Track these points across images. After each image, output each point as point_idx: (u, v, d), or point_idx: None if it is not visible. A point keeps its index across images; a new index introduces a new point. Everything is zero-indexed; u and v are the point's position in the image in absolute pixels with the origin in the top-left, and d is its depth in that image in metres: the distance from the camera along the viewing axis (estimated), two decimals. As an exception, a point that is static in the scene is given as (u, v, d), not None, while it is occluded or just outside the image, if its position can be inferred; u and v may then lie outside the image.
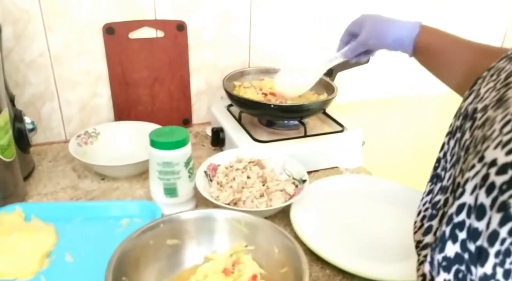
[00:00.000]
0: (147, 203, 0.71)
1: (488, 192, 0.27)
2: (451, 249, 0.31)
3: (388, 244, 0.66)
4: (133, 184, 0.81)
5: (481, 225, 0.28)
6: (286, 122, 0.91)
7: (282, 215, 0.71)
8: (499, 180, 0.27)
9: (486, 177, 0.28)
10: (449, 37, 0.65)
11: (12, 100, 0.77)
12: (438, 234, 0.34)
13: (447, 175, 0.39)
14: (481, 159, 0.29)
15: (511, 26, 1.31)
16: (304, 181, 0.73)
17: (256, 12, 1.00)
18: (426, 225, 0.40)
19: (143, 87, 0.97)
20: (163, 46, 0.94)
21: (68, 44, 0.88)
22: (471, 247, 0.29)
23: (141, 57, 0.94)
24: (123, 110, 0.97)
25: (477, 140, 0.33)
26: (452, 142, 0.40)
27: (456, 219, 0.31)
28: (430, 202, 0.42)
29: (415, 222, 0.44)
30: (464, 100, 0.40)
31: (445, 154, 0.41)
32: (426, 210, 0.42)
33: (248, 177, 0.74)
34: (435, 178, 0.42)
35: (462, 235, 0.30)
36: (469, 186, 0.29)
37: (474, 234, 0.29)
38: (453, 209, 0.31)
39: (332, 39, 1.10)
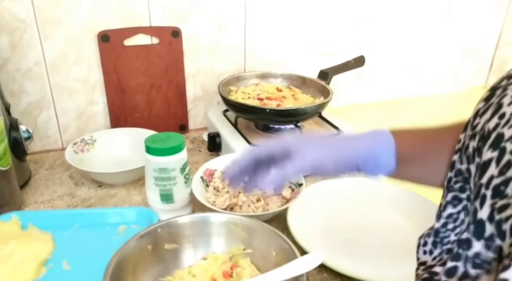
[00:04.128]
0: (144, 210, 0.70)
1: None
2: None
3: (386, 247, 0.66)
4: (130, 191, 0.81)
5: None
6: (282, 126, 0.91)
7: (278, 219, 0.71)
8: None
9: None
10: (423, 133, 0.50)
11: (7, 109, 0.77)
12: None
13: (472, 208, 0.33)
14: None
15: (505, 29, 1.31)
16: (300, 184, 0.73)
17: (251, 17, 1.00)
18: (450, 265, 0.35)
19: (140, 93, 0.97)
20: (159, 52, 0.95)
21: (64, 52, 0.89)
22: None
23: (137, 64, 0.94)
24: (120, 117, 0.97)
25: None
26: (473, 168, 0.33)
27: None
28: (456, 234, 0.36)
29: (421, 238, 0.39)
30: (479, 115, 0.34)
31: (466, 179, 0.35)
32: (449, 242, 0.36)
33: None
34: (461, 206, 0.36)
35: None
36: None
37: None
38: None
39: (328, 43, 1.11)
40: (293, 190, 0.73)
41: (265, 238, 0.57)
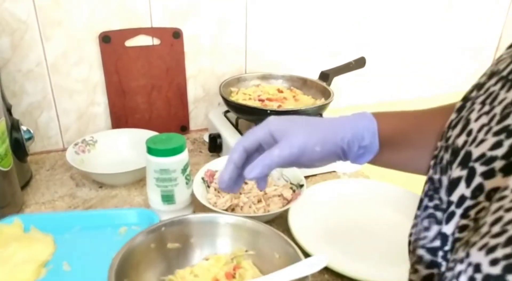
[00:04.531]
0: (145, 211, 0.70)
1: None
2: None
3: (387, 248, 0.66)
4: (131, 192, 0.81)
5: None
6: (283, 127, 0.91)
7: (280, 221, 0.71)
8: None
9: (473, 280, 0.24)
10: (409, 115, 0.50)
11: (9, 109, 0.77)
12: None
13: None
14: (467, 255, 0.25)
15: (506, 29, 1.31)
16: (301, 186, 0.73)
17: (252, 18, 1.00)
18: (424, 272, 0.35)
19: (141, 95, 0.97)
20: (160, 53, 0.95)
21: (65, 53, 0.89)
22: None
23: (138, 65, 0.94)
24: (121, 118, 0.97)
25: (474, 216, 0.28)
26: (445, 180, 0.33)
27: None
28: (423, 237, 0.36)
29: (410, 245, 0.39)
30: (451, 127, 0.34)
31: (436, 189, 0.35)
32: (419, 245, 0.36)
33: (246, 183, 0.74)
34: (427, 213, 0.36)
35: None
36: (462, 280, 0.26)
37: None
38: None
39: (329, 44, 1.11)
40: (294, 191, 0.73)
41: (268, 240, 0.57)
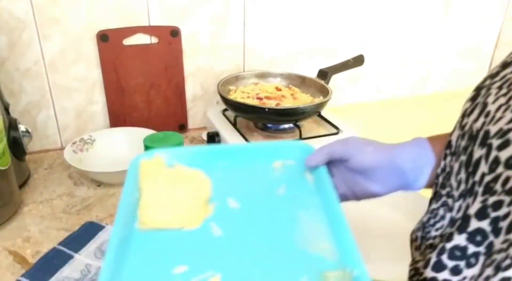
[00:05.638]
0: (298, 144, 0.60)
1: None
2: None
3: (387, 248, 0.66)
4: (129, 190, 0.81)
5: None
6: (281, 125, 0.91)
7: (278, 219, 0.71)
8: None
9: None
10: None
11: (6, 108, 0.77)
12: None
13: (456, 205, 0.34)
14: None
15: (504, 29, 1.32)
16: (300, 184, 0.72)
17: (250, 17, 1.00)
18: (434, 259, 0.35)
19: (139, 93, 0.97)
20: (158, 52, 0.95)
21: (63, 52, 0.89)
22: None
23: (136, 63, 0.94)
24: (119, 117, 0.97)
25: (506, 186, 0.28)
26: (456, 165, 0.34)
27: None
28: (436, 229, 0.37)
29: (412, 234, 0.40)
30: (466, 115, 0.35)
31: (448, 176, 0.35)
32: (430, 237, 0.37)
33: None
34: (441, 202, 0.36)
35: None
36: None
37: None
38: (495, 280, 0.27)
39: (328, 43, 1.11)
40: (292, 189, 0.73)
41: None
